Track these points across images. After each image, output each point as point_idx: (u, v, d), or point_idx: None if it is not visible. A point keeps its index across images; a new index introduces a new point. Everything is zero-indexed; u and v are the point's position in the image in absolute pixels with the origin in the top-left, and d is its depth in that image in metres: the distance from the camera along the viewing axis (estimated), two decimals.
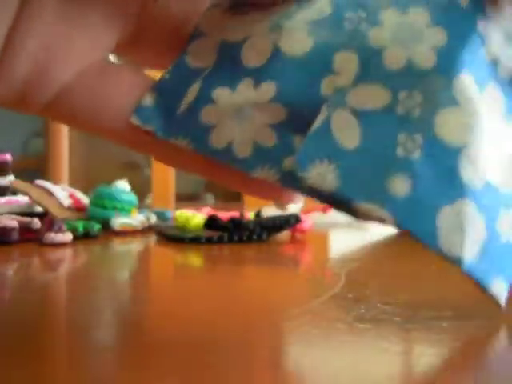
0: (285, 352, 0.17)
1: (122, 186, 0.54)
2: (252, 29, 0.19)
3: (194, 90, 0.19)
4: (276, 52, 0.18)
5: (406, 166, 0.16)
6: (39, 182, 0.55)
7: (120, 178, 0.58)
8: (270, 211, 0.52)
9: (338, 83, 0.18)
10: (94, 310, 0.22)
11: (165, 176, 1.11)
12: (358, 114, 0.17)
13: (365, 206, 0.17)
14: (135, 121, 0.18)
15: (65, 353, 0.17)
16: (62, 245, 0.41)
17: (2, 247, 0.40)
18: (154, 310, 0.23)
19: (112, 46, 0.18)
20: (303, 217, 0.48)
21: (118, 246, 0.44)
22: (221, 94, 0.18)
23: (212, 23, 0.19)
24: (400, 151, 0.17)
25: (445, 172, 0.17)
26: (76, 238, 0.44)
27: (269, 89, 0.18)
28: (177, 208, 0.78)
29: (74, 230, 0.44)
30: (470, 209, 0.17)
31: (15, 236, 0.41)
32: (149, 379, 0.14)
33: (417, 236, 0.17)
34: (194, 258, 0.38)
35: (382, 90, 0.17)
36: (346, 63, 0.18)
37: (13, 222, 0.41)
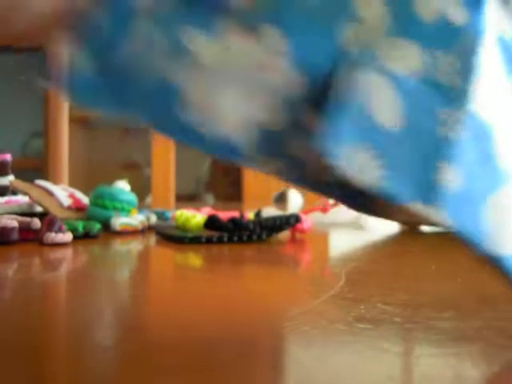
0: (285, 352, 0.17)
1: (122, 186, 0.54)
2: None
3: (160, 41, 0.13)
4: None
5: (449, 149, 0.14)
6: (39, 182, 0.55)
7: (120, 178, 0.58)
8: (269, 211, 0.52)
9: (364, 35, 0.14)
10: (94, 310, 0.22)
11: (165, 176, 1.11)
12: (395, 79, 0.14)
13: (416, 206, 0.14)
14: (72, 96, 0.14)
15: (65, 353, 0.17)
16: (62, 245, 0.41)
17: (2, 247, 0.40)
18: (153, 310, 0.23)
19: None
20: (303, 217, 0.48)
21: (118, 246, 0.44)
22: (203, 46, 0.13)
23: None
24: (441, 130, 0.14)
25: (485, 155, 0.14)
26: (76, 238, 0.44)
27: (277, 40, 0.13)
28: (177, 208, 0.78)
29: (73, 230, 0.44)
30: (509, 199, 0.14)
31: (15, 236, 0.41)
32: (149, 379, 0.14)
33: (467, 239, 0.14)
34: (194, 258, 0.38)
35: (417, 47, 0.14)
36: (372, 7, 0.14)
37: (13, 222, 0.41)
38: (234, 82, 0.13)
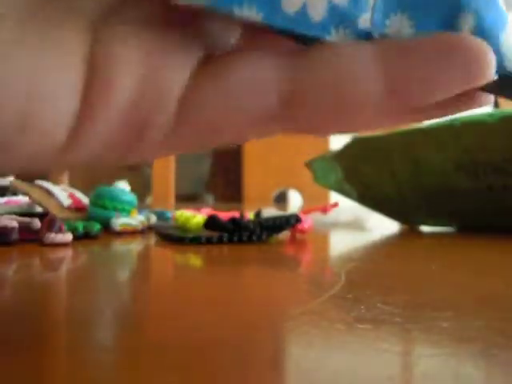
0: (285, 352, 0.17)
1: (122, 186, 0.54)
2: None
3: None
4: None
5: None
6: (39, 181, 0.55)
7: (120, 178, 0.58)
8: (269, 211, 0.52)
9: None
10: (94, 310, 0.22)
11: (165, 176, 1.11)
12: None
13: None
14: None
15: (65, 353, 0.17)
16: (62, 245, 0.41)
17: (2, 247, 0.40)
18: (153, 310, 0.23)
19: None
20: (303, 217, 0.48)
21: (118, 246, 0.44)
22: None
23: None
24: None
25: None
26: (76, 238, 0.44)
27: None
28: (177, 208, 0.78)
29: (73, 230, 0.44)
30: None
31: (15, 236, 0.41)
32: (149, 379, 0.14)
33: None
34: (194, 258, 0.38)
35: None
36: None
37: (13, 222, 0.41)
38: None
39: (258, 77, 0.15)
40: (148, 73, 0.14)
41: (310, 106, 0.16)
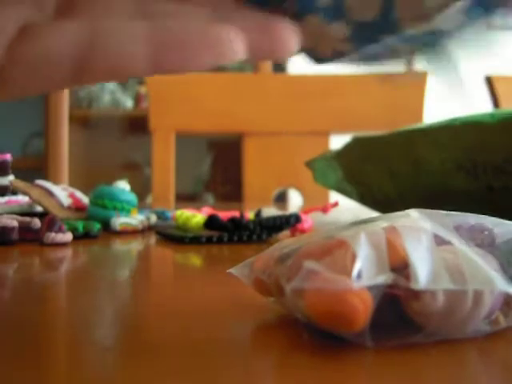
0: (284, 352, 0.17)
1: (122, 185, 0.54)
2: None
3: None
4: None
5: None
6: (39, 181, 0.55)
7: (120, 178, 0.58)
8: (269, 211, 0.52)
9: None
10: (94, 310, 0.22)
11: (165, 176, 1.11)
12: None
13: None
14: None
15: (65, 353, 0.17)
16: (62, 245, 0.41)
17: (2, 247, 0.40)
18: (153, 310, 0.23)
19: None
20: (303, 217, 0.48)
21: (118, 245, 0.44)
22: None
23: None
24: None
25: None
26: (76, 238, 0.44)
27: None
28: (177, 208, 0.78)
29: (73, 230, 0.44)
30: None
31: (15, 236, 0.41)
32: (149, 379, 0.14)
33: None
34: (194, 258, 0.38)
35: None
36: None
37: (13, 222, 0.41)
38: None
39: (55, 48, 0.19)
40: None
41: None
